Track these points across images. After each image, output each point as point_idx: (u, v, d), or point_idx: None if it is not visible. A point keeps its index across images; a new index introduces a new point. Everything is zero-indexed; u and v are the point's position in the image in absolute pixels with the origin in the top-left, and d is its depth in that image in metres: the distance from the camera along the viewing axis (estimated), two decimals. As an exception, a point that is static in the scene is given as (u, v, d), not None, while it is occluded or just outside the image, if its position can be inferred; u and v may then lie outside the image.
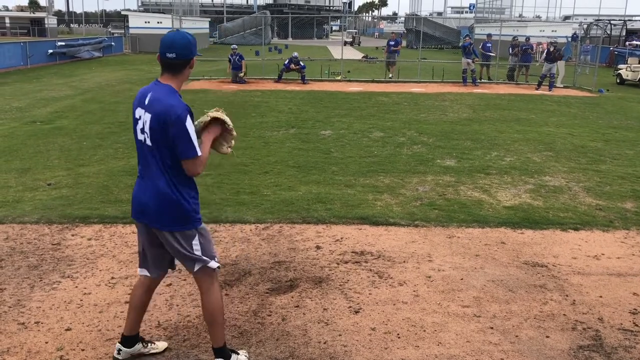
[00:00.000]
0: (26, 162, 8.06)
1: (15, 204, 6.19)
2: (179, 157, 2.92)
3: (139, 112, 2.99)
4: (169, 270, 3.40)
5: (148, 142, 2.96)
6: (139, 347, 3.39)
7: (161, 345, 3.51)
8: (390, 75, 21.84)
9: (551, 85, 18.97)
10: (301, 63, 19.66)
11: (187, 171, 2.97)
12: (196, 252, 3.11)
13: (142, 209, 3.06)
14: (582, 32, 34.53)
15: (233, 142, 3.22)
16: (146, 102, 2.95)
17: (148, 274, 3.28)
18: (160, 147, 2.93)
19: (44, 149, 8.82)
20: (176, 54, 2.93)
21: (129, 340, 3.36)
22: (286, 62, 19.87)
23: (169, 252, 3.16)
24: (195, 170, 2.96)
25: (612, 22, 38.59)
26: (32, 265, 4.66)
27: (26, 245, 5.06)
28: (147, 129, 2.93)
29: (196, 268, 3.15)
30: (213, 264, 3.16)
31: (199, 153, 2.93)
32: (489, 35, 22.72)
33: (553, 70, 18.90)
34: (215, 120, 3.10)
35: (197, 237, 3.11)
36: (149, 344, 3.44)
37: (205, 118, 3.09)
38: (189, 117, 2.88)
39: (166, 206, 2.99)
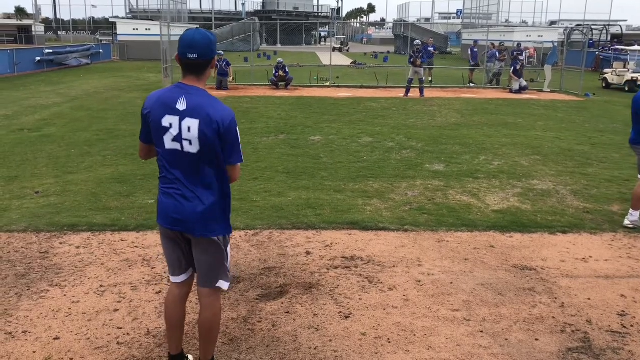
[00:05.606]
0: (13, 170, 7.99)
1: (3, 212, 6.14)
2: (227, 162, 2.87)
3: (170, 119, 2.77)
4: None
5: (190, 149, 2.78)
6: None
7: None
8: (425, 79, 20.11)
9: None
10: (287, 70, 19.86)
11: (231, 177, 2.94)
12: (226, 261, 3.13)
13: (181, 218, 2.88)
14: (564, 37, 34.73)
15: None
16: (182, 108, 2.75)
17: (183, 279, 3.18)
18: (209, 153, 2.79)
19: (32, 157, 8.75)
20: (198, 54, 2.75)
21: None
22: (274, 72, 19.99)
23: (201, 259, 3.06)
24: (237, 176, 2.96)
25: (593, 27, 38.99)
26: (19, 274, 4.62)
27: (14, 254, 5.02)
28: (190, 135, 2.75)
29: (220, 280, 3.14)
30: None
31: (242, 160, 2.95)
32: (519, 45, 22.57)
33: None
34: None
35: (229, 245, 3.17)
36: None
37: None
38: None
39: (216, 211, 2.91)
